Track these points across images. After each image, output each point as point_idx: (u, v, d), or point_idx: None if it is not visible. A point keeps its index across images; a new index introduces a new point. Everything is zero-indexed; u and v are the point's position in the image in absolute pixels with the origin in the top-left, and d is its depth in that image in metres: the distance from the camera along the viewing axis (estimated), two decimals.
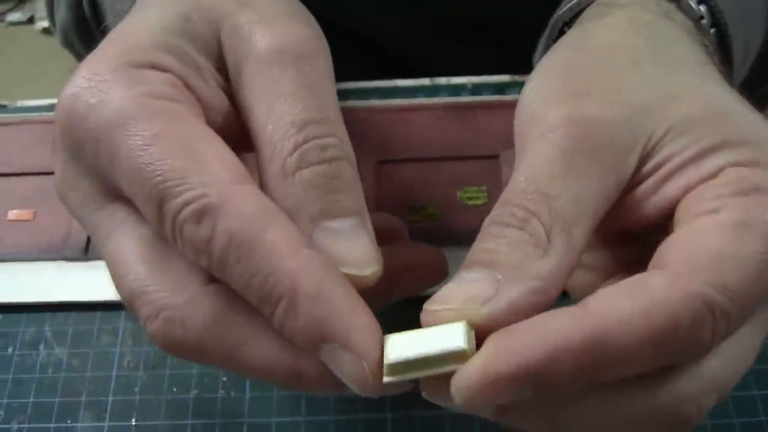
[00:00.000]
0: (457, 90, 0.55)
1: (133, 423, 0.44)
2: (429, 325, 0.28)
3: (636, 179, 0.31)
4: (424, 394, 0.29)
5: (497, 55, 0.60)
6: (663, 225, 0.31)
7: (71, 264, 0.48)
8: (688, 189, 0.30)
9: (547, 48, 0.41)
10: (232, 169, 0.28)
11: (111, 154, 0.29)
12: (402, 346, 0.27)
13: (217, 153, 0.29)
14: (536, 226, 0.28)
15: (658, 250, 0.29)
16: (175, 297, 0.29)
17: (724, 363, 0.28)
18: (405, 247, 0.37)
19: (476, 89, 0.55)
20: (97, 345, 0.46)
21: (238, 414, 0.44)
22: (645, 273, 0.27)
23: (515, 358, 0.25)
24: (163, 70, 0.31)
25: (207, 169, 0.28)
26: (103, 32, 0.33)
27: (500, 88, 0.55)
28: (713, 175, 0.29)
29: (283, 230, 0.28)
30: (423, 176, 0.50)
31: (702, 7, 0.37)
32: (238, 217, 0.27)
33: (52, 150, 0.33)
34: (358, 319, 0.27)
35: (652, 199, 0.31)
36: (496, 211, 0.30)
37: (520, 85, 0.54)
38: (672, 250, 0.28)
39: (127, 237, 0.31)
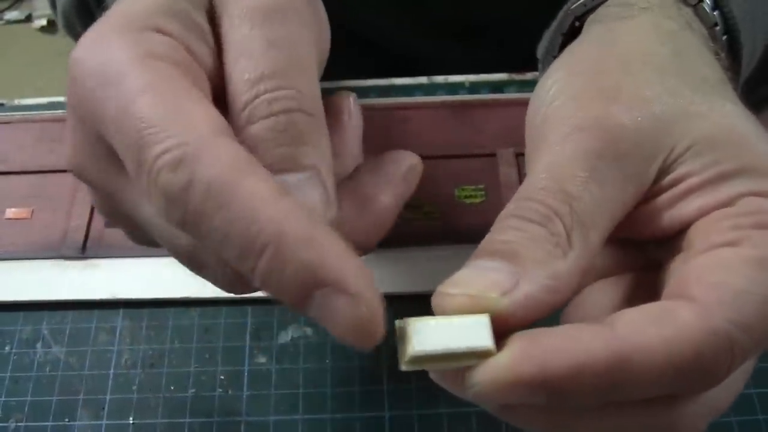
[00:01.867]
0: (454, 88, 0.55)
1: (131, 421, 0.44)
2: (442, 308, 0.27)
3: (652, 191, 0.31)
4: (432, 376, 0.29)
5: (498, 56, 0.60)
6: (671, 238, 0.31)
7: (69, 262, 0.48)
8: (704, 211, 0.30)
9: (553, 41, 0.41)
10: (214, 123, 0.28)
11: (104, 108, 0.29)
12: (425, 336, 0.27)
13: (201, 108, 0.28)
14: (558, 226, 0.28)
15: (675, 273, 0.29)
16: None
17: (722, 389, 0.29)
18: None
19: (474, 88, 0.55)
20: (95, 343, 0.46)
21: (236, 412, 0.44)
22: (671, 302, 0.28)
23: (541, 365, 0.25)
24: (166, 34, 0.31)
25: (189, 120, 0.27)
26: (104, 9, 0.33)
27: (498, 87, 0.55)
28: (730, 201, 0.29)
29: (263, 179, 0.27)
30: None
31: (716, 13, 0.37)
32: (217, 165, 0.26)
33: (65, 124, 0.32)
34: (351, 261, 0.26)
35: (667, 213, 0.31)
36: (515, 205, 0.30)
37: (518, 84, 0.55)
38: (696, 281, 0.28)
39: None
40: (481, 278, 0.27)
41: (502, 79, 0.55)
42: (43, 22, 2.26)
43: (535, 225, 0.28)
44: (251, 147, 0.29)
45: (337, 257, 0.26)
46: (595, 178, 0.29)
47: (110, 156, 0.30)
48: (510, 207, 0.30)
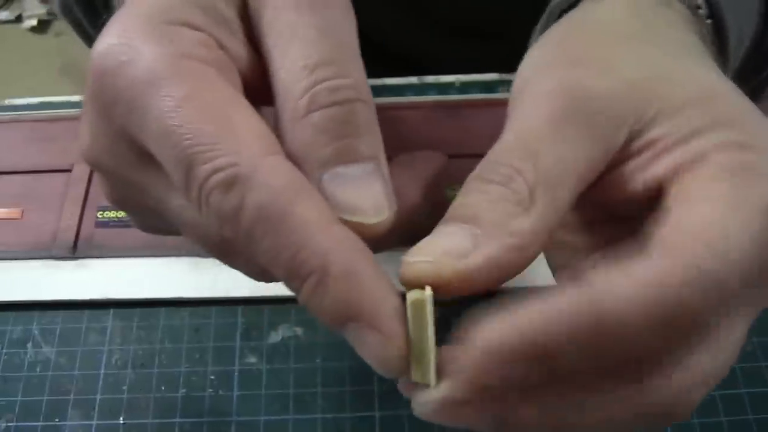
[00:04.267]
0: (445, 88, 0.55)
1: (121, 421, 0.44)
2: (405, 277, 0.28)
3: (624, 155, 0.30)
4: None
5: (503, 55, 0.60)
6: (649, 205, 0.30)
7: (59, 262, 0.48)
8: (677, 169, 0.29)
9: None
10: (263, 139, 0.28)
11: (141, 113, 0.28)
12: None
13: (248, 121, 0.28)
14: (520, 184, 0.28)
15: (649, 228, 0.28)
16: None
17: (712, 354, 0.28)
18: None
19: (464, 88, 0.55)
20: (85, 343, 0.46)
21: (226, 412, 0.44)
22: (642, 249, 0.27)
23: (516, 333, 0.25)
24: (196, 28, 0.30)
25: (238, 137, 0.27)
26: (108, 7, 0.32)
27: (488, 87, 0.55)
28: (702, 155, 0.29)
29: (314, 205, 0.27)
30: None
31: None
32: (269, 189, 0.26)
33: (81, 114, 0.32)
34: (388, 302, 0.27)
35: (640, 176, 0.30)
36: (480, 167, 0.30)
37: (509, 84, 0.54)
38: (666, 227, 0.27)
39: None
40: (439, 244, 0.28)
41: (492, 79, 0.55)
42: (33, 22, 2.26)
43: (497, 185, 0.28)
44: (310, 136, 0.29)
45: (375, 296, 0.27)
46: (560, 137, 0.29)
47: (135, 152, 0.29)
48: (476, 170, 0.30)
